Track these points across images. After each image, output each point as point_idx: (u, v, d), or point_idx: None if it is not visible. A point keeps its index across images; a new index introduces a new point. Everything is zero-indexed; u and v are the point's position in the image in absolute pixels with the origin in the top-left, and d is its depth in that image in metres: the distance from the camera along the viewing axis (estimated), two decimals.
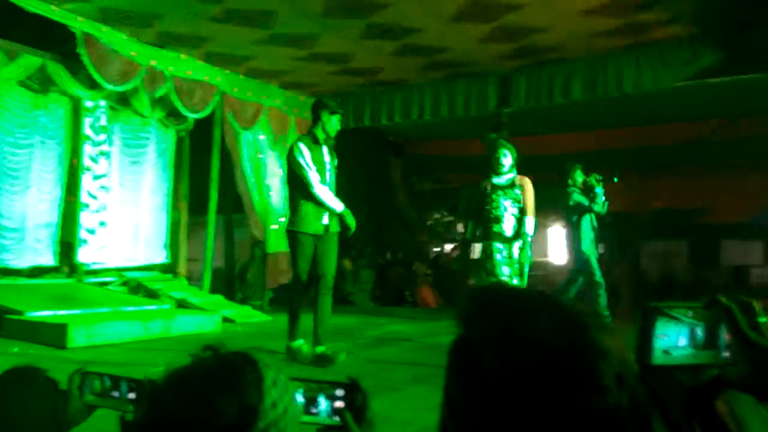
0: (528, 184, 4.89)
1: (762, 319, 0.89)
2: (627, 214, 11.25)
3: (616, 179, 6.11)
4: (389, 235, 13.93)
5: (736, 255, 13.29)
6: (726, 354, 0.90)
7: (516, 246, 4.77)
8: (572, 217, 6.26)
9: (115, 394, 1.23)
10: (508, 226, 4.78)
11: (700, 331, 0.91)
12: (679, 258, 13.16)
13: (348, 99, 8.36)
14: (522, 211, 4.81)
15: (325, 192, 4.20)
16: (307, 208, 4.19)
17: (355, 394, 0.98)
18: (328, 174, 4.29)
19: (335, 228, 4.30)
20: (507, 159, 4.88)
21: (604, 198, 6.02)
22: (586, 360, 0.63)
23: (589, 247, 6.14)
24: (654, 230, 12.30)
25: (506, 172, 4.87)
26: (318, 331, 4.13)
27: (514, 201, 4.82)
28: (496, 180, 4.91)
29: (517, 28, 5.87)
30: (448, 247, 15.34)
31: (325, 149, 4.30)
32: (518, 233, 4.78)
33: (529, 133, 7.41)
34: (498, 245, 4.76)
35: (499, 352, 0.64)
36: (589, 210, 6.08)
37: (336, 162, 4.40)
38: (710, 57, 6.01)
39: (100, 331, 4.67)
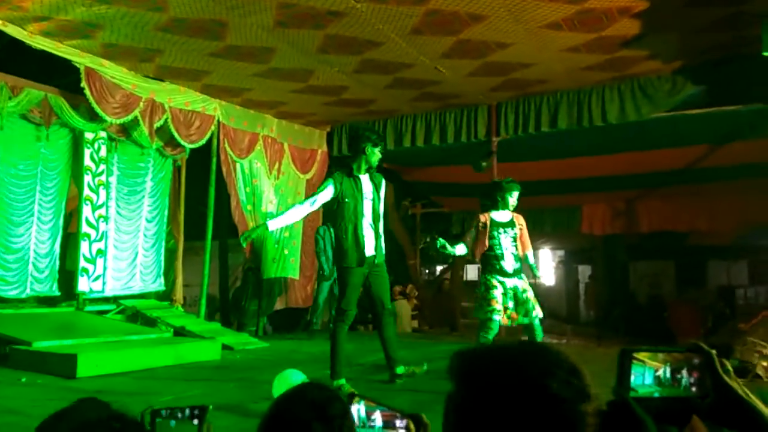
0: (523, 221, 5.02)
1: (729, 367, 1.10)
2: (616, 236, 11.50)
3: None
4: None
5: (722, 275, 13.54)
6: (693, 389, 1.08)
7: (516, 281, 4.81)
8: None
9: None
10: (508, 264, 4.83)
11: (665, 372, 1.11)
12: (667, 279, 13.40)
13: (341, 127, 8.59)
14: (518, 248, 4.89)
15: (285, 215, 4.42)
16: (347, 242, 4.23)
17: (419, 427, 1.03)
18: (368, 202, 4.30)
19: (381, 258, 4.36)
20: (513, 200, 4.94)
21: None
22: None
23: None
24: (642, 252, 12.54)
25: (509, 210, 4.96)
26: (393, 356, 4.37)
27: (513, 239, 4.89)
28: (496, 216, 4.95)
29: (504, 63, 6.11)
30: (440, 268, 15.51)
31: (365, 178, 4.33)
32: (518, 269, 4.85)
33: (516, 159, 7.63)
34: (499, 279, 4.79)
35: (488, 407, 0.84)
36: None
37: (381, 188, 4.40)
38: (690, 89, 6.28)
39: (106, 361, 4.75)
